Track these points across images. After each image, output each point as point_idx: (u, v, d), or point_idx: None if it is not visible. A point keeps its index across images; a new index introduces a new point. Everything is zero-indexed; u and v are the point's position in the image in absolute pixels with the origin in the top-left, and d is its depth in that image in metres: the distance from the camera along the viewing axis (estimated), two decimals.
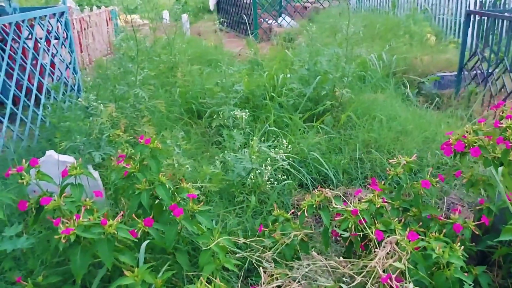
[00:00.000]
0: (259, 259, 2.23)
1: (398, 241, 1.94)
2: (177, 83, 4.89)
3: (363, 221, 2.09)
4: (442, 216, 2.28)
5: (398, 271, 1.81)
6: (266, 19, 11.30)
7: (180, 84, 4.88)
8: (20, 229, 2.19)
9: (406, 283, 1.78)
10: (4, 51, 3.70)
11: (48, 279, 2.00)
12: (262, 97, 4.62)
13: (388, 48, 6.42)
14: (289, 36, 8.99)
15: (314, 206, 2.28)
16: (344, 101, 4.49)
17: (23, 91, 3.83)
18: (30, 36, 4.20)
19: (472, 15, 5.31)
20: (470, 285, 1.83)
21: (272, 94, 4.56)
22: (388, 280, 1.75)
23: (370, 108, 4.43)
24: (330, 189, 2.84)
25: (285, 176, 3.31)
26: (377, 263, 1.85)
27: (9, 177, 2.31)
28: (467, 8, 7.42)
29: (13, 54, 3.83)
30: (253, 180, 3.11)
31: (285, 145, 3.29)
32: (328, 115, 4.28)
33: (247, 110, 3.51)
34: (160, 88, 4.71)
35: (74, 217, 1.70)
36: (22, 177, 1.98)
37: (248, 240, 2.40)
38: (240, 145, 3.43)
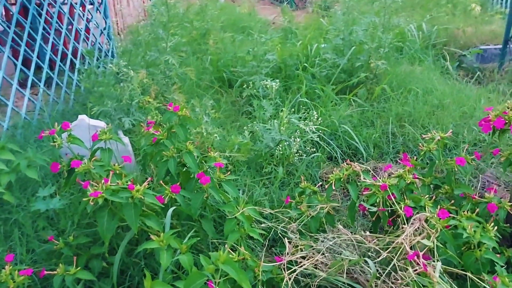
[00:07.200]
0: (284, 229, 2.22)
1: (428, 218, 1.89)
2: (208, 51, 4.85)
3: (391, 197, 2.03)
4: (476, 195, 2.20)
5: (426, 249, 1.76)
6: None
7: (212, 52, 4.83)
8: (53, 190, 2.26)
9: (433, 261, 1.73)
10: (40, 15, 3.74)
11: (78, 240, 2.06)
12: (294, 67, 4.52)
13: (429, 18, 6.13)
14: (325, 4, 8.71)
15: (342, 179, 2.23)
16: (379, 73, 4.35)
17: (59, 56, 3.89)
18: (65, 1, 4.23)
19: None
20: (502, 266, 1.77)
21: (305, 64, 4.46)
22: (415, 257, 1.71)
23: (406, 81, 4.27)
24: (359, 163, 2.78)
25: (314, 149, 3.27)
26: (404, 239, 1.81)
27: (43, 139, 2.38)
28: None
29: (49, 19, 3.87)
30: (282, 152, 3.08)
31: (316, 117, 3.23)
32: (361, 87, 4.16)
33: (277, 80, 3.44)
34: (191, 55, 4.68)
35: (103, 181, 1.73)
36: (54, 140, 2.02)
37: (274, 211, 2.40)
38: (270, 116, 3.39)
